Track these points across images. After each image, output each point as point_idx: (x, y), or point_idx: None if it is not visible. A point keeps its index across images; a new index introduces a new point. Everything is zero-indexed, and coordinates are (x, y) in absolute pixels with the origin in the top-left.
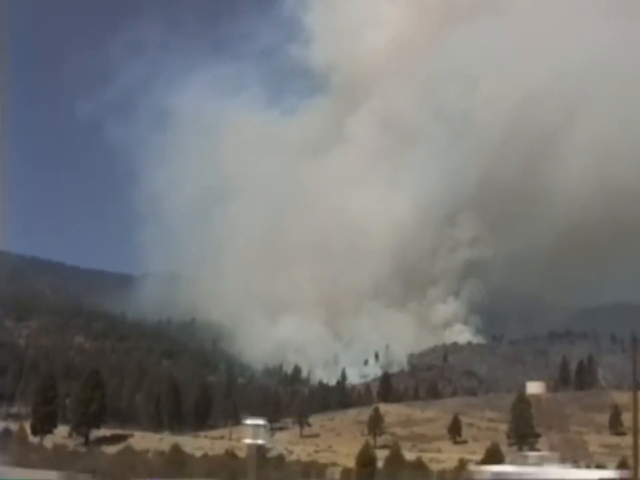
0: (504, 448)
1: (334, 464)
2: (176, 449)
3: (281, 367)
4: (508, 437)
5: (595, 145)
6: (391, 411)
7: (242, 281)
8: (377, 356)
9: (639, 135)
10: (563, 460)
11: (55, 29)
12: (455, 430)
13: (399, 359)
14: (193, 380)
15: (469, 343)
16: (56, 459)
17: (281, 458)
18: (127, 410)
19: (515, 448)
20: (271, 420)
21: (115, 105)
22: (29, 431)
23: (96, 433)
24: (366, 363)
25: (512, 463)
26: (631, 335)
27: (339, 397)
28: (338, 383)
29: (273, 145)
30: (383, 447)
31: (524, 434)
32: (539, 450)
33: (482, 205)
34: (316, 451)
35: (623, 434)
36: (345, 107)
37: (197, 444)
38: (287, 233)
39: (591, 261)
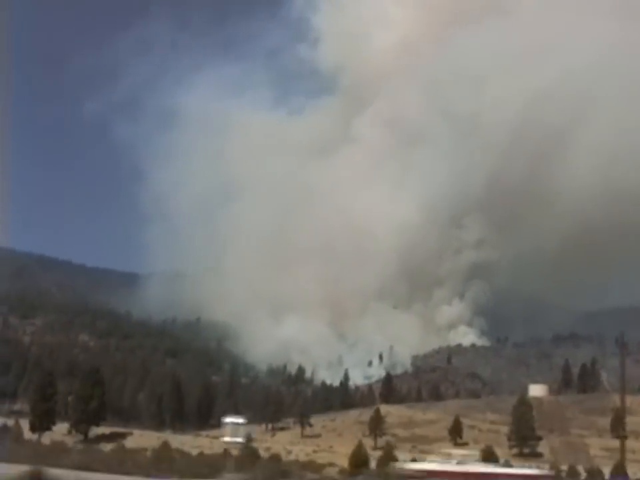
0: (505, 450)
1: (332, 464)
2: (165, 446)
3: (285, 367)
4: (509, 440)
5: (601, 147)
6: (392, 412)
7: (247, 281)
8: (381, 357)
9: None
10: (490, 459)
11: (62, 28)
12: (455, 432)
13: (403, 360)
14: (196, 379)
15: (473, 345)
16: (48, 454)
17: (256, 456)
18: (129, 408)
19: (515, 450)
20: (272, 420)
21: (122, 104)
22: (26, 427)
23: (95, 431)
24: (370, 364)
25: (438, 461)
26: (625, 338)
27: (341, 397)
28: (341, 383)
29: (280, 145)
30: (384, 448)
31: (525, 436)
32: (540, 453)
33: (488, 207)
34: (315, 451)
35: (624, 437)
36: (352, 107)
37: (196, 443)
38: (293, 233)
39: (596, 263)
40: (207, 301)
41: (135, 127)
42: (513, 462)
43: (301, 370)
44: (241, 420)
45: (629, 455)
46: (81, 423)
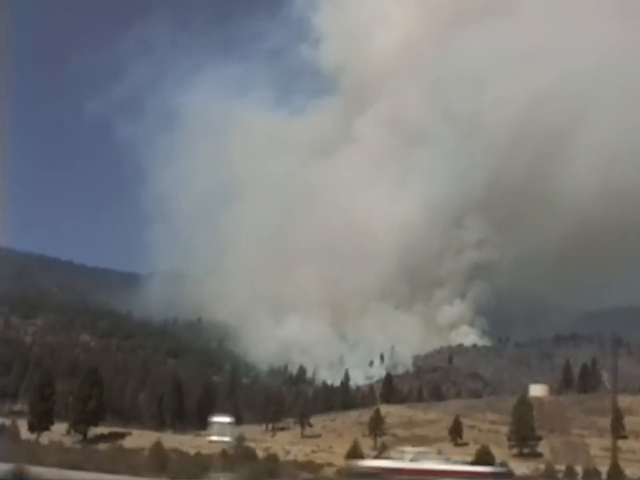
0: (505, 450)
1: (330, 464)
2: (158, 446)
3: (286, 367)
4: (509, 440)
5: (601, 147)
6: (392, 412)
7: (248, 281)
8: (382, 357)
9: None
10: (442, 456)
11: (63, 28)
12: (456, 432)
13: (404, 360)
14: (197, 379)
15: (475, 345)
16: (39, 454)
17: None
18: (130, 408)
19: (515, 450)
20: (272, 420)
21: (123, 104)
22: (25, 427)
23: (94, 431)
24: (371, 364)
25: (390, 458)
26: (626, 338)
27: (342, 398)
28: (342, 383)
29: (281, 145)
30: (384, 448)
31: (525, 436)
32: (540, 453)
33: (489, 207)
34: (313, 451)
35: (624, 437)
36: (353, 107)
37: (195, 443)
38: (294, 233)
39: (597, 263)
40: (208, 301)
41: (136, 127)
42: (512, 462)
43: (302, 370)
44: (227, 419)
45: (629, 455)
46: (80, 423)
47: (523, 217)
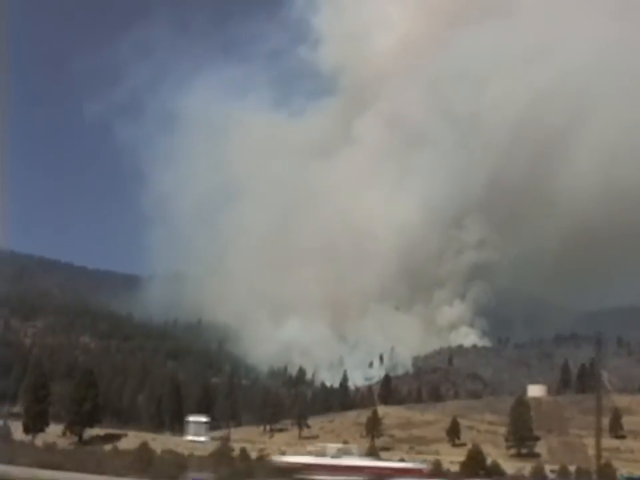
0: (503, 451)
1: None
2: (145, 447)
3: (285, 368)
4: (506, 440)
5: (601, 147)
6: (391, 413)
7: (248, 282)
8: (381, 358)
9: None
10: (365, 453)
11: (63, 30)
12: (453, 432)
13: (404, 361)
14: (196, 381)
15: (474, 346)
16: (20, 454)
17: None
18: (129, 410)
19: (513, 451)
20: (270, 421)
21: (123, 106)
22: (20, 429)
23: (90, 432)
24: (371, 365)
25: (312, 454)
26: (626, 338)
27: (341, 399)
28: (340, 385)
29: (280, 147)
30: (382, 449)
31: (522, 437)
32: (537, 453)
33: (489, 207)
34: (309, 452)
35: (622, 437)
36: (352, 108)
37: (190, 444)
38: (294, 234)
39: (597, 263)
40: (208, 303)
41: (136, 129)
42: (510, 462)
43: (301, 371)
44: (203, 419)
45: (627, 455)
46: (75, 425)
47: (522, 216)
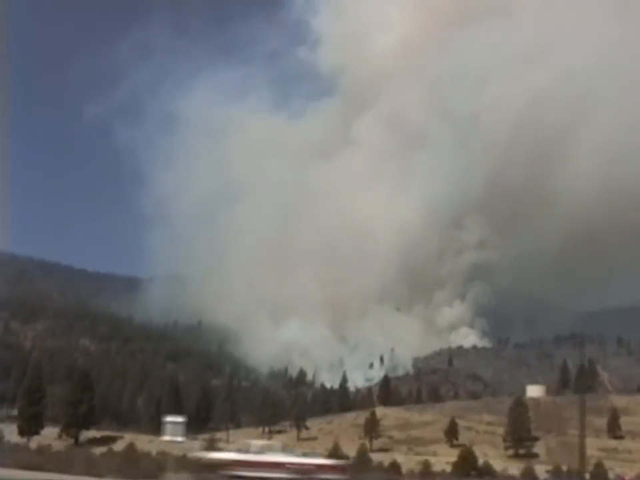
0: (501, 451)
1: None
2: (131, 448)
3: (286, 369)
4: (504, 441)
5: (602, 147)
6: (389, 415)
7: (248, 284)
8: (382, 359)
9: None
10: (287, 449)
11: (62, 32)
12: (451, 433)
13: (404, 362)
14: (196, 383)
15: (474, 347)
16: (19, 457)
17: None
18: (128, 412)
19: (511, 451)
20: (269, 423)
21: (123, 108)
22: (15, 432)
23: (86, 435)
24: (371, 366)
25: (236, 451)
26: (626, 338)
27: (340, 400)
28: (340, 386)
29: (280, 148)
30: (380, 449)
31: (520, 437)
32: (536, 454)
33: (488, 208)
34: (304, 454)
35: (621, 437)
36: (352, 109)
37: (187, 446)
38: (294, 235)
39: (598, 263)
40: (208, 304)
41: (136, 131)
42: (508, 463)
43: (302, 373)
44: (180, 419)
45: (624, 455)
46: (71, 427)
47: (523, 217)
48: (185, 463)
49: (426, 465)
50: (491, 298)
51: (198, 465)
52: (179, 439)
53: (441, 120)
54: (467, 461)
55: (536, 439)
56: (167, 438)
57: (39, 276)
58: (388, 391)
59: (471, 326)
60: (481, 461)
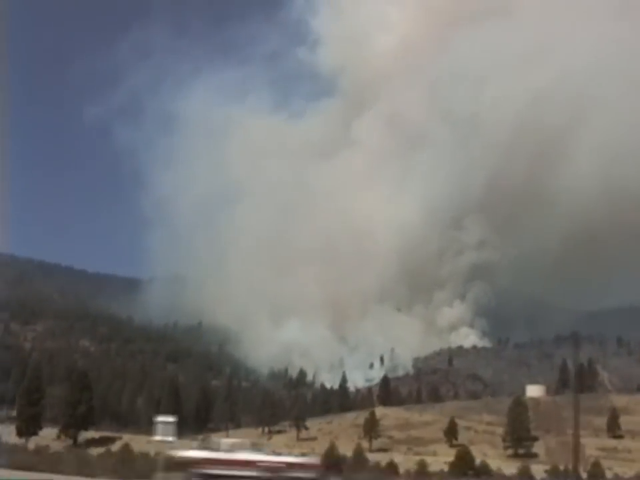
0: (500, 451)
1: None
2: (127, 449)
3: (286, 370)
4: (503, 441)
5: (602, 148)
6: (389, 415)
7: (248, 284)
8: (382, 359)
9: None
10: (257, 447)
11: (62, 33)
12: (451, 433)
13: (404, 362)
14: (196, 383)
15: (475, 347)
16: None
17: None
18: (127, 413)
19: (510, 451)
20: (269, 423)
21: (122, 109)
22: (13, 432)
23: (85, 435)
24: (371, 366)
25: (204, 449)
26: (627, 338)
27: (340, 400)
28: (340, 386)
29: (280, 148)
30: (379, 449)
31: (519, 437)
32: (535, 454)
33: (488, 208)
34: (303, 454)
35: (620, 437)
36: (352, 109)
37: (179, 446)
38: (294, 235)
39: (598, 263)
40: (208, 305)
41: (136, 131)
42: (507, 463)
43: (302, 373)
44: (171, 419)
45: (624, 455)
46: (69, 428)
47: (522, 217)
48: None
49: (421, 465)
50: (491, 298)
51: (169, 463)
52: (170, 438)
53: (441, 120)
54: (463, 461)
55: (535, 439)
56: (158, 438)
57: (39, 277)
58: (388, 391)
59: (471, 326)
60: (478, 461)
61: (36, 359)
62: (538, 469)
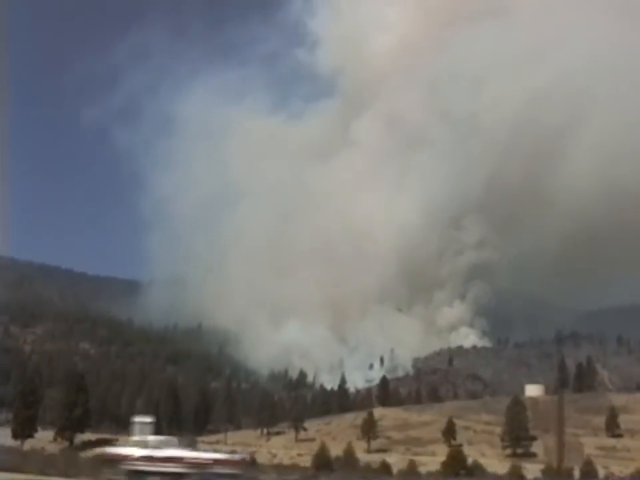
0: (499, 450)
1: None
2: None
3: (286, 371)
4: (502, 440)
5: (600, 147)
6: (388, 415)
7: (248, 286)
8: (382, 360)
9: None
10: (188, 444)
11: (61, 35)
12: (449, 433)
13: (404, 362)
14: (195, 385)
15: (474, 347)
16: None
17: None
18: (127, 415)
19: (509, 451)
20: (267, 424)
21: (121, 111)
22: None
23: (81, 438)
24: (371, 367)
25: (134, 446)
26: (627, 337)
27: (339, 401)
28: (339, 387)
29: (279, 149)
30: (378, 450)
31: (518, 437)
32: (534, 453)
33: (488, 208)
34: (299, 455)
35: (619, 436)
36: (351, 110)
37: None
38: (293, 236)
39: (597, 263)
40: (208, 307)
41: (134, 133)
42: (505, 462)
43: (302, 374)
44: (148, 419)
45: (623, 454)
46: (66, 430)
47: (522, 216)
48: None
49: (412, 466)
50: (491, 298)
51: (99, 460)
52: (148, 438)
53: (440, 120)
54: (456, 460)
55: (534, 438)
56: (135, 438)
57: (39, 279)
58: (387, 392)
59: (471, 326)
60: (470, 460)
61: (36, 362)
62: (536, 469)
